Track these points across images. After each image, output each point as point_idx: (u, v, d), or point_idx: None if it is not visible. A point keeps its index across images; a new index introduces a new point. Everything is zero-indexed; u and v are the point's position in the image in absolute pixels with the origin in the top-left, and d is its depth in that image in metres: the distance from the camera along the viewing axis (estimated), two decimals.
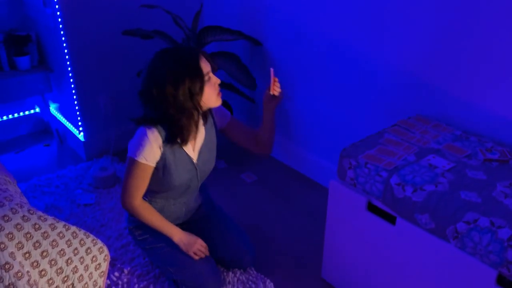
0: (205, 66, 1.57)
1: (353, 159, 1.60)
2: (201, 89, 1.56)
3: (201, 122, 1.72)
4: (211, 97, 1.61)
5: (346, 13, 2.11)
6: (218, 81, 1.62)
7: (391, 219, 1.54)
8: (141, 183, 1.66)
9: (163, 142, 1.61)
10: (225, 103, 2.68)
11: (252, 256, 1.90)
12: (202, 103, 1.60)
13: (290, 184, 2.57)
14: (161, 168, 1.66)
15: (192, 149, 1.72)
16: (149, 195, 1.79)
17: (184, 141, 1.64)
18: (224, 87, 2.64)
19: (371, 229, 1.60)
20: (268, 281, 1.88)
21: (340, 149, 2.29)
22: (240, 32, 2.57)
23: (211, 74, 1.60)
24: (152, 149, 1.60)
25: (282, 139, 2.74)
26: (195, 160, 1.74)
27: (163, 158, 1.64)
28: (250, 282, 1.87)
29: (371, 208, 1.59)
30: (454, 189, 1.40)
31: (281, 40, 2.50)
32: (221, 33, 2.53)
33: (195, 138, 1.72)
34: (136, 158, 1.60)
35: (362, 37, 2.08)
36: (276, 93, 1.68)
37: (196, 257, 1.76)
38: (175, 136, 1.61)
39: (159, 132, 1.60)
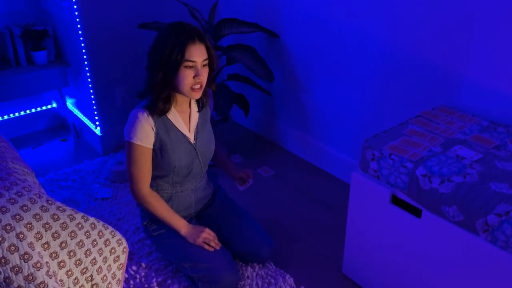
0: (195, 54, 1.56)
1: (376, 150, 1.55)
2: (176, 65, 1.55)
3: (194, 106, 1.76)
4: (182, 83, 1.59)
5: (365, 4, 2.06)
6: (201, 77, 1.59)
7: (416, 212, 1.49)
8: (143, 167, 1.68)
9: (154, 122, 1.64)
10: (241, 98, 2.65)
11: (270, 248, 1.86)
12: (175, 83, 1.60)
13: (308, 178, 2.53)
14: (158, 149, 1.68)
15: (188, 130, 1.74)
16: (155, 184, 1.79)
17: (160, 113, 1.64)
18: (240, 80, 2.62)
19: (395, 223, 1.55)
20: (287, 276, 1.84)
21: (359, 143, 2.25)
22: (257, 24, 2.53)
23: (198, 66, 1.58)
24: (144, 130, 1.63)
25: (300, 133, 2.69)
26: (192, 141, 1.75)
27: (158, 139, 1.66)
28: (269, 277, 1.83)
29: (395, 201, 1.55)
30: (484, 180, 1.35)
31: (298, 32, 2.46)
32: (238, 25, 2.50)
33: (189, 120, 1.75)
34: (131, 141, 1.64)
35: (382, 28, 2.03)
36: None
37: (207, 247, 1.73)
38: (154, 106, 1.63)
39: (150, 114, 1.64)
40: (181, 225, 1.76)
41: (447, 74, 1.85)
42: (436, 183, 1.38)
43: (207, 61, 1.61)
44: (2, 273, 1.11)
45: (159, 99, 1.63)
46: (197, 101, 1.78)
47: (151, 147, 1.67)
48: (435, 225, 1.42)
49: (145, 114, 1.64)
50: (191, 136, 1.76)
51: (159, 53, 1.57)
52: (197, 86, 1.61)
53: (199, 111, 1.78)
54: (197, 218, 1.95)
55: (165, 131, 1.68)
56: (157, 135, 1.66)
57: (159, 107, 1.64)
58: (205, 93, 1.73)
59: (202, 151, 1.79)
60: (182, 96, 1.68)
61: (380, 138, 1.61)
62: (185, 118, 1.75)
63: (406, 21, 1.93)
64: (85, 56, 2.53)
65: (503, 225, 1.24)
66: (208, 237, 1.75)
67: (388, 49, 2.04)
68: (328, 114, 2.47)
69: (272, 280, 1.82)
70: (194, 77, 1.58)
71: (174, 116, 1.71)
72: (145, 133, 1.64)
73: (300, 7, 2.39)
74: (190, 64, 1.57)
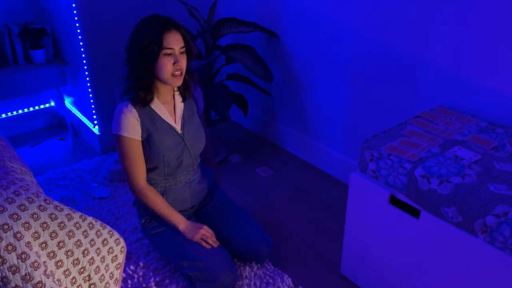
0: (171, 42, 1.61)
1: (375, 150, 1.55)
2: (154, 54, 1.60)
3: (178, 97, 1.79)
4: (162, 71, 1.63)
5: (364, 4, 2.06)
6: (180, 64, 1.63)
7: (415, 213, 1.49)
8: (136, 160, 1.71)
9: (138, 113, 1.68)
10: (240, 97, 2.65)
11: (269, 247, 1.86)
12: (156, 72, 1.64)
13: (307, 178, 2.53)
14: (146, 140, 1.72)
15: (174, 121, 1.77)
16: (147, 178, 1.80)
17: (142, 102, 1.68)
18: (239, 80, 2.61)
19: (394, 223, 1.55)
20: (285, 276, 1.84)
21: (358, 143, 2.24)
22: (256, 24, 2.53)
23: (176, 53, 1.62)
24: (129, 121, 1.67)
25: (299, 133, 2.69)
26: (179, 131, 1.78)
27: (144, 129, 1.70)
28: (267, 277, 1.83)
29: (394, 201, 1.55)
30: (482, 181, 1.35)
31: (297, 31, 2.46)
32: (237, 25, 2.50)
33: (174, 111, 1.78)
34: (118, 133, 1.68)
35: (381, 28, 2.03)
36: None
37: (205, 244, 1.73)
38: (136, 97, 1.67)
39: (133, 106, 1.68)
40: (180, 221, 1.77)
41: (446, 75, 1.85)
42: (435, 184, 1.38)
43: (184, 49, 1.66)
44: (0, 273, 1.10)
45: (139, 88, 1.67)
46: (180, 92, 1.81)
47: (139, 138, 1.70)
48: (434, 226, 1.42)
49: (129, 106, 1.68)
50: (177, 127, 1.78)
51: (136, 45, 1.62)
52: (178, 73, 1.65)
53: (183, 100, 1.81)
54: (196, 216, 1.95)
55: (150, 121, 1.71)
56: (142, 125, 1.69)
57: (140, 97, 1.68)
58: (188, 86, 1.78)
59: (190, 142, 1.81)
60: (164, 86, 1.71)
61: (379, 139, 1.61)
62: (170, 109, 1.78)
63: (406, 22, 1.93)
64: (83, 55, 2.53)
65: (502, 226, 1.24)
66: (206, 234, 1.75)
67: (387, 50, 2.04)
68: (327, 114, 2.47)
69: (270, 280, 1.82)
70: (173, 64, 1.63)
71: (159, 107, 1.74)
72: (130, 125, 1.67)
73: (299, 7, 2.39)
74: (169, 51, 1.62)
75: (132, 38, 1.65)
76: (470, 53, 1.75)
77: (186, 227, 1.76)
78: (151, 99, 1.71)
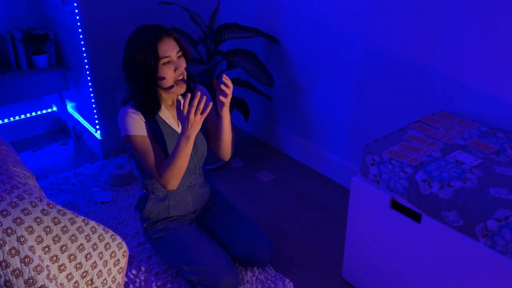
0: (167, 49, 1.60)
1: (376, 155, 1.55)
2: (153, 67, 1.59)
3: (181, 101, 1.77)
4: (165, 80, 1.63)
5: (365, 10, 2.07)
6: (181, 70, 1.63)
7: (416, 217, 1.49)
8: (153, 154, 1.69)
9: (143, 115, 1.68)
10: (241, 102, 2.66)
11: (271, 252, 1.87)
12: (159, 83, 1.64)
13: (308, 183, 2.53)
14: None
15: (177, 125, 1.78)
16: (150, 183, 1.80)
17: (148, 113, 1.68)
18: (241, 85, 2.62)
19: (395, 227, 1.56)
20: (287, 280, 1.84)
21: (359, 148, 2.25)
22: (257, 29, 2.54)
23: (174, 60, 1.62)
24: (136, 120, 1.67)
25: (300, 137, 2.70)
26: None
27: (148, 129, 1.70)
28: (269, 282, 1.83)
29: (395, 205, 1.55)
30: (483, 186, 1.35)
31: (298, 37, 2.47)
32: (238, 30, 2.51)
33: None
34: (130, 133, 1.67)
35: (382, 33, 2.04)
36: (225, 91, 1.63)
37: (200, 115, 1.56)
38: (143, 109, 1.67)
39: (135, 107, 1.68)
40: (180, 140, 1.61)
41: (447, 80, 1.86)
42: (436, 188, 1.39)
43: (180, 53, 1.65)
44: (3, 277, 1.11)
45: (149, 101, 1.67)
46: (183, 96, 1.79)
47: (147, 134, 1.70)
48: (435, 230, 1.42)
49: (133, 109, 1.68)
50: (180, 130, 1.77)
51: (134, 61, 1.60)
52: (180, 78, 1.65)
53: None
54: (198, 221, 1.96)
55: (154, 124, 1.72)
56: (147, 124, 1.70)
57: (147, 110, 1.68)
58: (190, 89, 1.75)
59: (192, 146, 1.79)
60: (167, 92, 1.70)
61: (380, 143, 1.62)
62: (173, 113, 1.78)
63: (407, 27, 1.94)
64: (86, 60, 2.54)
65: (503, 230, 1.24)
66: (194, 115, 1.56)
67: (388, 55, 2.05)
68: (328, 119, 2.48)
69: (272, 285, 1.82)
70: (175, 71, 1.63)
71: (162, 111, 1.74)
72: (137, 123, 1.67)
73: (300, 13, 2.41)
74: (166, 60, 1.61)
75: (127, 57, 1.64)
76: (471, 58, 1.76)
77: (187, 131, 1.58)
78: (159, 109, 1.71)
